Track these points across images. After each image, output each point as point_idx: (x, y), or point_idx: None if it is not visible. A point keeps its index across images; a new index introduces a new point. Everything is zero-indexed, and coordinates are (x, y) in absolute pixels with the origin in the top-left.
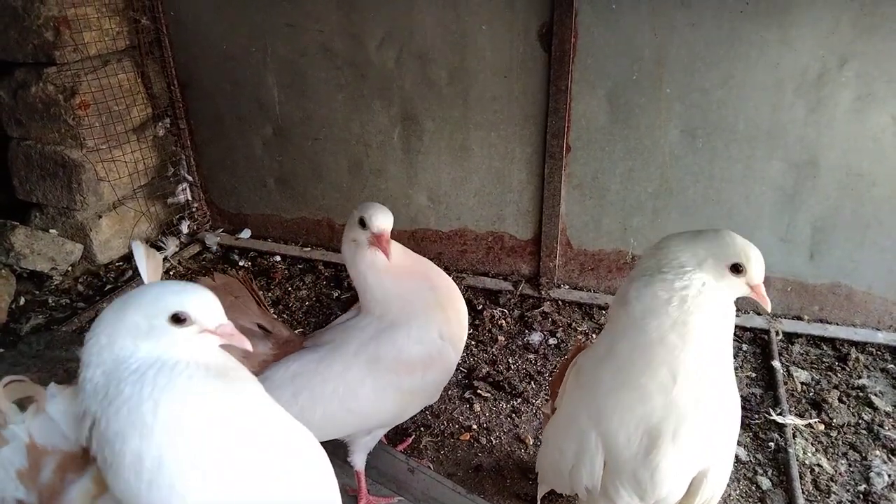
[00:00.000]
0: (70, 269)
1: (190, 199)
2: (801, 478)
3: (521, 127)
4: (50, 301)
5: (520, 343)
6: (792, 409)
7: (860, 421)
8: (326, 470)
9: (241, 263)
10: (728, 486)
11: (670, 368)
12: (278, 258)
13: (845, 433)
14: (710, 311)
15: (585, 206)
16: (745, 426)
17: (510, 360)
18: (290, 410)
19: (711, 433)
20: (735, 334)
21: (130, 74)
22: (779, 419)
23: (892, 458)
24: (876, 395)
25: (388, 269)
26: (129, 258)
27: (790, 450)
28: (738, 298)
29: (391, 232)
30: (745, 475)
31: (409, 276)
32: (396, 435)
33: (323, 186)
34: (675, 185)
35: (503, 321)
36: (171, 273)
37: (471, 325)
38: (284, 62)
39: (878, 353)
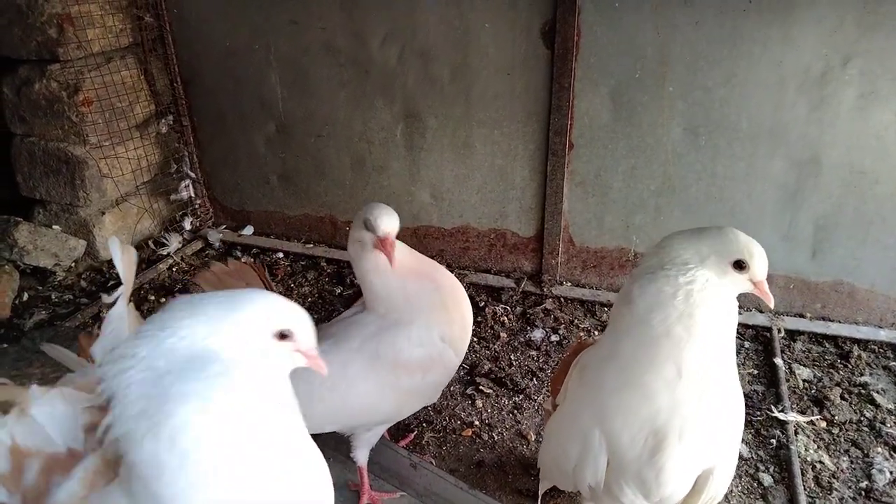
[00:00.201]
0: (73, 265)
1: (193, 195)
2: (802, 474)
3: (524, 124)
4: (53, 297)
5: (522, 340)
6: (794, 406)
7: (862, 418)
8: (323, 471)
9: (243, 260)
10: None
11: (675, 362)
12: (281, 255)
13: (847, 430)
14: (714, 305)
15: (588, 204)
16: (746, 423)
17: (512, 357)
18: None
19: (716, 431)
20: (737, 332)
21: (133, 71)
22: (781, 416)
23: (894, 455)
24: (878, 392)
25: (392, 269)
26: None
27: (792, 447)
28: (740, 295)
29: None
30: (746, 472)
31: (413, 277)
32: (399, 431)
33: (325, 183)
34: (678, 182)
35: (505, 318)
36: (174, 270)
37: (473, 321)
38: (287, 60)
39: (881, 350)
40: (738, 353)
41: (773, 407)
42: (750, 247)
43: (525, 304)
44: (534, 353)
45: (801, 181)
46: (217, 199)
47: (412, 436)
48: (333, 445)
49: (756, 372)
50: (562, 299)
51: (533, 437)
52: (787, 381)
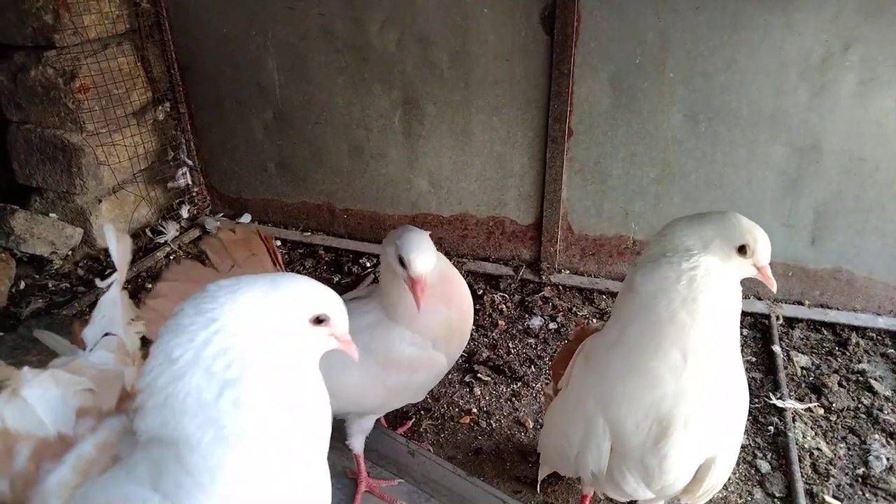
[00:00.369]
0: (70, 253)
1: (190, 183)
2: (800, 461)
3: (523, 111)
4: (50, 285)
5: (520, 327)
6: (792, 393)
7: (860, 405)
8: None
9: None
10: None
11: (681, 348)
12: (279, 243)
13: (845, 417)
14: (717, 290)
15: (587, 191)
16: None
17: (510, 345)
18: None
19: (720, 420)
20: None
21: (130, 58)
22: (778, 403)
23: (891, 441)
24: (876, 379)
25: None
26: None
27: (790, 433)
28: (740, 282)
29: None
30: (744, 458)
31: (433, 297)
32: (397, 418)
33: (323, 171)
34: (678, 169)
35: (504, 306)
36: (172, 258)
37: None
38: (285, 45)
39: (879, 337)
40: None
41: (771, 394)
42: (753, 231)
43: (523, 291)
44: (532, 340)
45: (802, 168)
46: (214, 186)
47: (410, 423)
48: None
49: (754, 359)
50: (560, 287)
51: (531, 425)
52: (786, 368)
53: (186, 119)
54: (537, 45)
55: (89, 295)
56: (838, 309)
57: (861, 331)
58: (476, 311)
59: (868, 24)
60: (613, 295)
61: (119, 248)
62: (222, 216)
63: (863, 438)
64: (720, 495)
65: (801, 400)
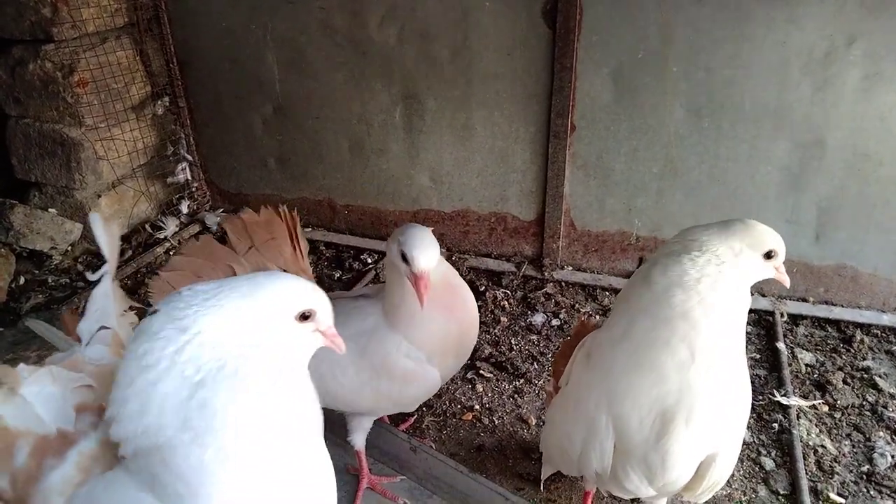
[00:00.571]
0: (69, 248)
1: (189, 178)
2: (804, 458)
3: (525, 106)
4: (49, 280)
5: (522, 324)
6: (796, 390)
7: (864, 402)
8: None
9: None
10: None
11: (689, 346)
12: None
13: (849, 414)
14: (735, 295)
15: (589, 187)
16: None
17: (513, 341)
18: None
19: (723, 417)
20: None
21: (129, 52)
22: (783, 400)
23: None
24: (880, 376)
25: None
26: (128, 238)
27: (794, 431)
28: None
29: None
30: (748, 456)
31: (435, 305)
32: (399, 415)
33: (323, 166)
34: (680, 165)
35: (506, 302)
36: (171, 253)
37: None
38: (284, 40)
39: (883, 334)
40: None
41: (775, 391)
42: (775, 235)
43: (526, 288)
44: (534, 337)
45: (805, 163)
46: (214, 182)
47: (412, 420)
48: (330, 428)
49: (758, 356)
50: (563, 283)
51: (533, 422)
52: (790, 365)
53: (186, 114)
54: (539, 40)
55: (88, 290)
56: (843, 306)
57: (865, 328)
58: (478, 308)
59: (871, 18)
60: (616, 291)
61: (107, 238)
62: (222, 212)
63: (867, 435)
64: (724, 492)
65: (805, 397)
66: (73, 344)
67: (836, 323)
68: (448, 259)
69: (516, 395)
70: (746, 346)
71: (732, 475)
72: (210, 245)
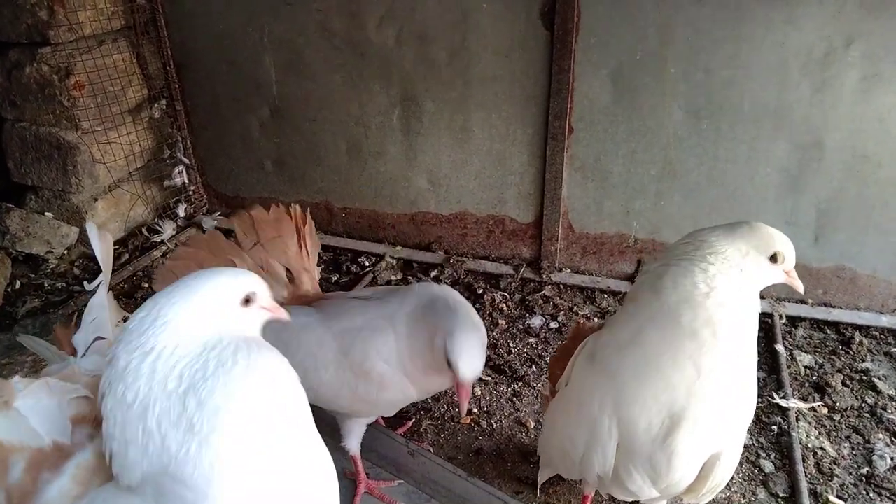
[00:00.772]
0: (66, 252)
1: (186, 181)
2: (803, 461)
3: (523, 108)
4: (46, 284)
5: (521, 327)
6: (795, 392)
7: (863, 404)
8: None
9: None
10: None
11: (696, 363)
12: None
13: (848, 416)
14: (744, 305)
15: (587, 189)
16: None
17: (511, 344)
18: None
19: (729, 419)
20: None
21: (126, 55)
22: (782, 402)
23: (895, 441)
24: (879, 378)
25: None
26: (125, 242)
27: (793, 433)
28: None
29: None
30: (747, 458)
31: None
32: (396, 418)
33: (321, 169)
34: (679, 166)
35: (504, 305)
36: (153, 278)
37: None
38: (282, 42)
39: (882, 336)
40: None
41: (774, 393)
42: (782, 238)
43: (524, 290)
44: (533, 340)
45: (804, 165)
46: (211, 185)
47: (410, 423)
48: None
49: (757, 358)
50: (561, 286)
51: (532, 425)
52: (789, 367)
53: (182, 116)
54: (537, 41)
55: (85, 295)
56: (841, 308)
57: (864, 329)
58: (476, 311)
59: (870, 19)
60: (615, 294)
61: (102, 248)
62: (219, 215)
63: (867, 438)
64: (723, 495)
65: (804, 399)
66: (65, 358)
67: (834, 325)
68: (446, 262)
69: (514, 399)
70: None
71: (732, 478)
72: (216, 239)
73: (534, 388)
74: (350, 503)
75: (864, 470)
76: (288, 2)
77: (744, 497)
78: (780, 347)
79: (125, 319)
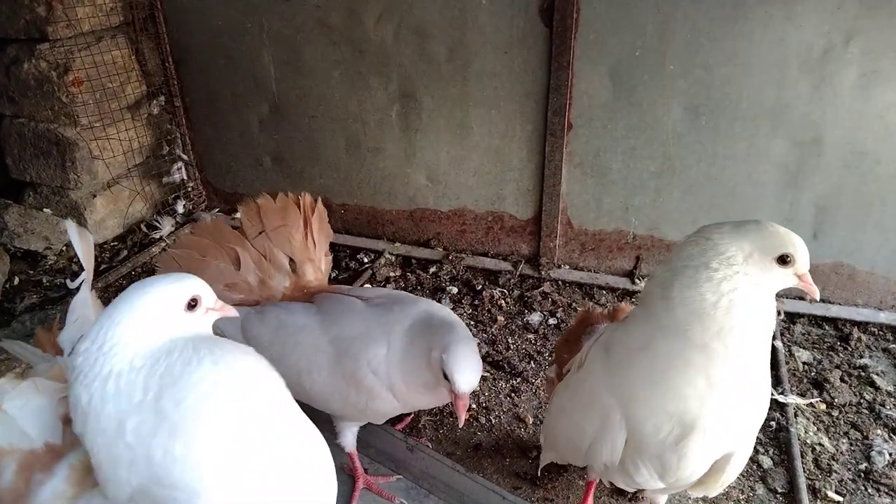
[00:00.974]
0: (64, 248)
1: (185, 178)
2: (802, 456)
3: (522, 104)
4: (44, 281)
5: (519, 323)
6: (794, 388)
7: (862, 400)
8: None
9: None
10: None
11: (707, 376)
12: None
13: (847, 412)
14: (754, 312)
15: (586, 185)
16: None
17: (510, 340)
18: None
19: (743, 422)
20: None
21: (124, 51)
22: (780, 398)
23: (894, 436)
24: (878, 374)
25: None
26: (124, 238)
27: (791, 429)
28: None
29: None
30: None
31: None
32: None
33: (320, 166)
34: (678, 163)
35: (503, 301)
36: (156, 264)
37: (470, 304)
38: (280, 38)
39: (881, 333)
40: None
41: (773, 389)
42: (792, 238)
43: (523, 287)
44: (531, 336)
45: (803, 162)
46: (210, 181)
47: (409, 418)
48: (322, 428)
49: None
50: (560, 282)
51: (531, 420)
52: (787, 363)
53: (181, 113)
54: (536, 38)
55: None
56: (840, 304)
57: (863, 326)
58: (475, 307)
59: (869, 16)
60: (613, 290)
61: (83, 246)
62: (218, 211)
63: (865, 434)
64: (722, 492)
65: (802, 395)
66: (51, 360)
67: (833, 321)
68: (445, 258)
69: (513, 394)
70: None
71: None
72: (220, 227)
73: (532, 384)
74: (349, 498)
75: (863, 466)
76: None
77: (742, 493)
78: (778, 343)
79: None
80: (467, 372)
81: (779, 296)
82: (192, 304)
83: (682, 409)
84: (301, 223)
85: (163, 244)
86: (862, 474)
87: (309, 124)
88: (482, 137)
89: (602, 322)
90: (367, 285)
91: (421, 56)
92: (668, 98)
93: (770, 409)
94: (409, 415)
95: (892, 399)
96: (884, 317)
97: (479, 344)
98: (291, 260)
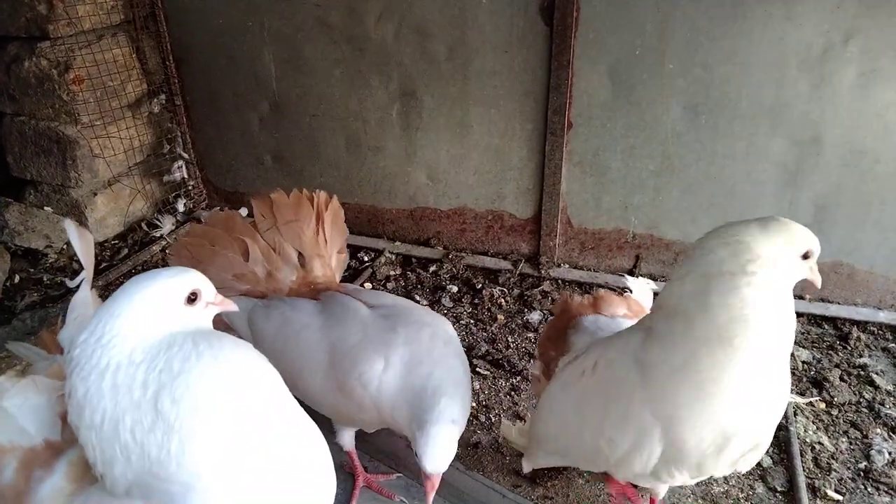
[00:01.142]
0: (65, 246)
1: (186, 176)
2: (801, 455)
3: (522, 103)
4: (45, 279)
5: (519, 322)
6: (793, 387)
7: (861, 399)
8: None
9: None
10: None
11: (751, 383)
12: None
13: (846, 411)
14: (788, 309)
15: (586, 184)
16: None
17: (509, 339)
18: (262, 348)
19: (775, 417)
20: None
21: (125, 49)
22: None
23: (893, 435)
24: (877, 373)
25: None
26: (124, 236)
27: (791, 427)
28: None
29: None
30: None
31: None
32: None
33: (321, 164)
34: (677, 162)
35: (502, 300)
36: (167, 252)
37: (470, 303)
38: (281, 37)
39: (880, 332)
40: None
41: None
42: (811, 233)
43: (522, 286)
44: (531, 335)
45: (802, 160)
46: (210, 180)
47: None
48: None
49: None
50: (559, 281)
51: (530, 419)
52: None
53: (182, 111)
54: (536, 37)
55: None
56: (839, 303)
57: (862, 325)
58: (475, 306)
59: (868, 15)
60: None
61: (82, 245)
62: (218, 210)
63: (864, 433)
64: (722, 490)
65: (802, 394)
66: (51, 359)
67: (832, 320)
68: (445, 257)
69: (513, 393)
70: None
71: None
72: (232, 219)
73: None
74: (349, 497)
75: (862, 464)
76: None
77: (742, 491)
78: None
79: None
80: (435, 455)
81: None
82: (192, 298)
83: (727, 420)
84: (313, 219)
85: (163, 242)
86: (861, 473)
87: (309, 123)
88: (482, 136)
89: (585, 312)
90: (368, 284)
91: (421, 55)
92: (668, 97)
93: None
94: None
95: (892, 398)
96: (883, 316)
97: (479, 342)
98: (301, 255)
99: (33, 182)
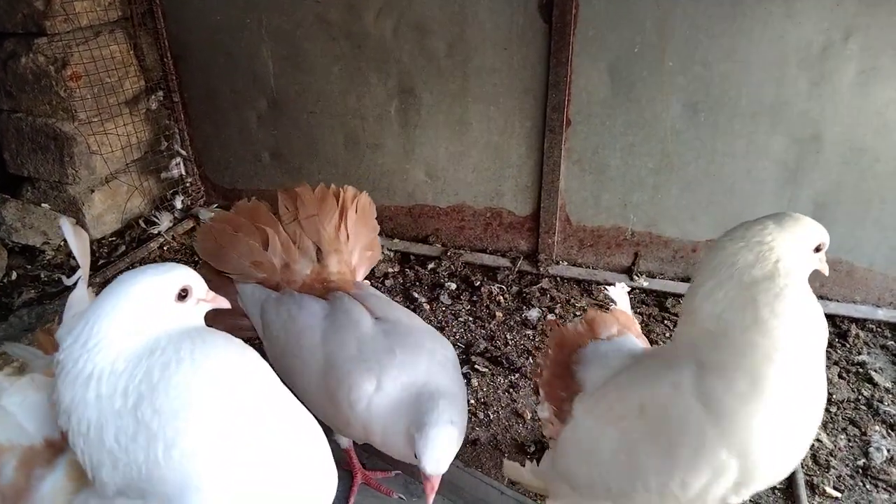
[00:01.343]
0: (62, 243)
1: (184, 173)
2: None
3: (521, 101)
4: (42, 276)
5: (518, 319)
6: None
7: (860, 397)
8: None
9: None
10: None
11: (814, 393)
12: None
13: (845, 409)
14: (813, 298)
15: (585, 182)
16: None
17: (508, 336)
18: (269, 340)
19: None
20: None
21: (123, 46)
22: None
23: (892, 433)
24: (876, 371)
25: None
26: (122, 233)
27: None
28: None
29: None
30: None
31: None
32: None
33: (319, 161)
34: (677, 160)
35: (501, 297)
36: (165, 249)
37: (468, 301)
38: (279, 33)
39: (879, 329)
40: None
41: None
42: (821, 226)
43: (521, 283)
44: (530, 332)
45: (802, 158)
46: (208, 177)
47: None
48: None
49: None
50: (558, 279)
51: (529, 416)
52: None
53: (180, 108)
54: (535, 34)
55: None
56: (838, 301)
57: (861, 322)
58: (473, 303)
59: (868, 13)
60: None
61: (78, 244)
62: (216, 207)
63: (863, 430)
64: None
65: None
66: (49, 358)
67: (831, 318)
68: (443, 254)
69: (511, 390)
70: None
71: None
72: (258, 209)
73: (530, 379)
74: (347, 493)
75: (861, 462)
76: None
77: None
78: None
79: None
80: (435, 456)
81: None
82: (183, 295)
83: (799, 429)
84: (336, 215)
85: (161, 239)
86: (860, 470)
87: (308, 120)
88: (481, 133)
89: (583, 341)
90: (367, 282)
91: (420, 52)
92: (667, 95)
93: None
94: None
95: (890, 395)
96: (882, 313)
97: (477, 339)
98: (319, 249)
99: (30, 179)
